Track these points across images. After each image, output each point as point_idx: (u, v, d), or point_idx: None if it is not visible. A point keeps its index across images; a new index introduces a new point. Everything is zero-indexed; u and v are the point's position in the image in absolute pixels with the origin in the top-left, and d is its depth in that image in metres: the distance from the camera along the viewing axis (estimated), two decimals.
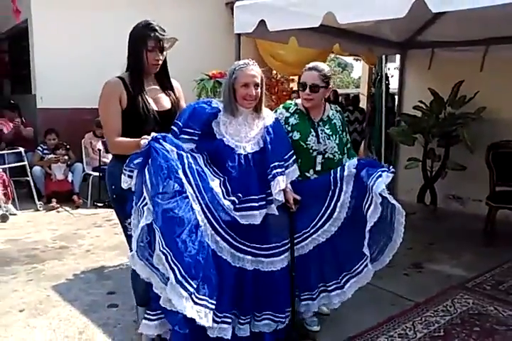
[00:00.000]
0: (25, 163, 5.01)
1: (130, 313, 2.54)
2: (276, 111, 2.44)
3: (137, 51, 2.08)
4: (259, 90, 2.13)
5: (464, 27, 4.30)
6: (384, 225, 2.19)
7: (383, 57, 5.82)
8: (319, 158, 2.40)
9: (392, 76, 6.56)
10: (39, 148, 5.33)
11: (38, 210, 4.88)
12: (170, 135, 1.92)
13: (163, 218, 1.74)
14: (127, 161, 1.84)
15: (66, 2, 5.45)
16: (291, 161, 2.25)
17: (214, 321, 1.92)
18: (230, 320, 2.04)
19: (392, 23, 2.75)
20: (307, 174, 2.40)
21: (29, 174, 5.02)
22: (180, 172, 1.83)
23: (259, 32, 3.52)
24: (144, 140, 1.84)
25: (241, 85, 2.09)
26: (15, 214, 4.63)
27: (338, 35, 4.35)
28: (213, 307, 1.89)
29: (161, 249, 1.75)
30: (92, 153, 5.45)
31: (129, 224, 1.92)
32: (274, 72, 7.28)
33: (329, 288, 2.32)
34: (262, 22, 3.40)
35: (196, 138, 2.05)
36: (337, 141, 2.43)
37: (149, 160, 1.78)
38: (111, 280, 3.01)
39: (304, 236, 2.29)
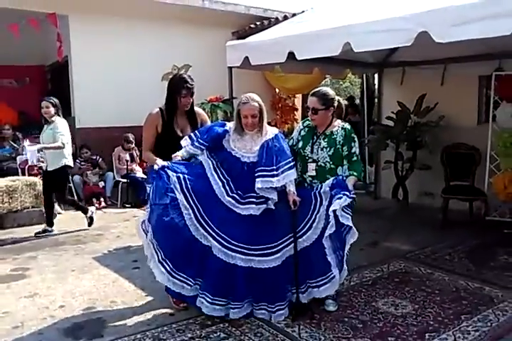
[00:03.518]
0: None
1: (148, 272, 3.49)
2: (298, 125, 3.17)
3: (173, 97, 2.95)
4: (256, 119, 2.71)
5: (426, 49, 5.13)
6: (339, 238, 2.68)
7: (363, 75, 6.75)
8: (313, 165, 2.87)
9: (373, 91, 7.44)
10: (77, 160, 6.47)
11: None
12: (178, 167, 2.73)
13: (155, 219, 2.58)
14: (148, 178, 2.79)
15: (99, 44, 6.74)
16: (284, 168, 2.66)
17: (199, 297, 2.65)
18: (222, 303, 2.64)
19: None
20: (304, 176, 2.92)
21: (71, 181, 6.18)
22: (176, 191, 2.62)
23: (245, 65, 4.56)
24: (156, 165, 2.66)
25: (243, 116, 2.73)
26: (60, 213, 5.76)
27: (317, 61, 5.22)
28: (186, 282, 2.63)
29: (150, 238, 2.60)
30: (118, 164, 6.53)
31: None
32: (277, 90, 8.35)
33: (313, 285, 2.79)
34: (247, 57, 4.45)
35: (204, 147, 2.77)
36: (330, 153, 2.83)
37: (154, 182, 2.66)
38: (135, 254, 4.04)
39: (290, 240, 2.73)
